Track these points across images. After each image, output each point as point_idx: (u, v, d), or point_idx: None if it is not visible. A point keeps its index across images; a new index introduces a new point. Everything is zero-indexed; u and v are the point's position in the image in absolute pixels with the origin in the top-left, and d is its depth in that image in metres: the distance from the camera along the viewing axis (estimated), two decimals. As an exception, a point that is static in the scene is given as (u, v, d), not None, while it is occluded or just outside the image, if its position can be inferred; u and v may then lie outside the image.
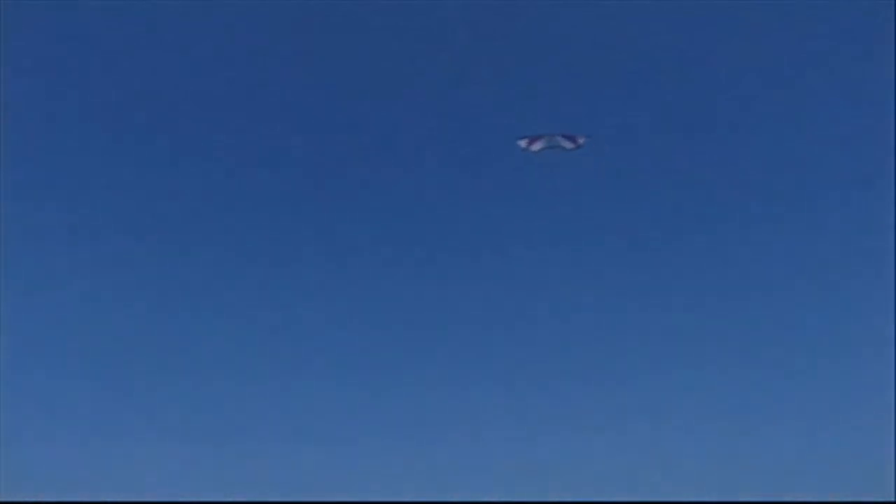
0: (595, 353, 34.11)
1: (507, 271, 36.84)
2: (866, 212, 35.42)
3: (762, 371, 32.41)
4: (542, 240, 37.42)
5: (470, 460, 30.61)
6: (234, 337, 35.32)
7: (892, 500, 26.36)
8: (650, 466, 29.83)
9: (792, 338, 33.63)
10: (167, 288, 36.70)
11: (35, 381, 32.18)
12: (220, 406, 32.80)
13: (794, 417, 30.81)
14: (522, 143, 28.76)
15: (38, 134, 38.11)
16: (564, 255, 37.20)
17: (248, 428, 32.00)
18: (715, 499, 27.20)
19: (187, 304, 36.54)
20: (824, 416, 30.61)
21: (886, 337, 30.72)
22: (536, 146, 28.62)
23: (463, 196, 39.18)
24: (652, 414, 31.75)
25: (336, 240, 38.49)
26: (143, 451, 30.68)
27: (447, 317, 35.97)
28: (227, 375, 33.62)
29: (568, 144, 28.50)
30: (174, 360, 34.22)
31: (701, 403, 31.86)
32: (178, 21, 40.05)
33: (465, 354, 34.56)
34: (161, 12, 39.39)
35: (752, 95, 39.09)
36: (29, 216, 36.18)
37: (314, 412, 32.90)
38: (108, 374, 33.33)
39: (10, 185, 36.04)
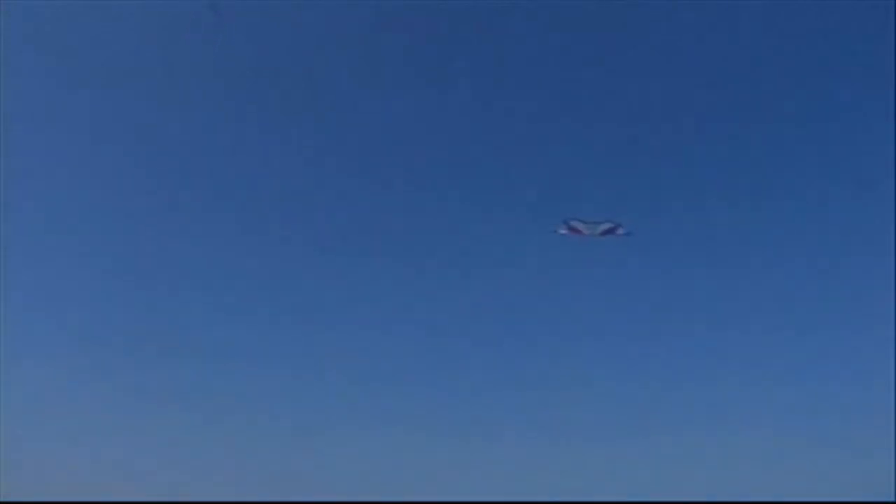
0: (597, 356, 34.36)
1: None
2: (866, 212, 35.53)
3: (763, 371, 32.55)
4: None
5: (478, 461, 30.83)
6: (235, 336, 35.34)
7: (892, 500, 26.40)
8: (651, 466, 29.99)
9: (792, 337, 33.76)
10: (167, 285, 36.72)
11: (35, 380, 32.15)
12: (221, 406, 32.84)
13: (794, 418, 30.97)
14: (563, 230, 26.42)
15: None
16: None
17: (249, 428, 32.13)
18: (716, 499, 27.25)
19: (189, 302, 36.59)
20: (825, 416, 30.79)
21: (886, 337, 30.81)
22: (582, 231, 26.34)
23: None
24: (653, 413, 31.93)
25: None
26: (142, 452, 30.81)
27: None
28: (228, 376, 33.71)
29: (607, 233, 26.38)
30: (175, 356, 34.27)
31: (702, 404, 32.00)
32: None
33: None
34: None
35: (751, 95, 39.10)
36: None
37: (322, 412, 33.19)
38: (108, 374, 33.38)
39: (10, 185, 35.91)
